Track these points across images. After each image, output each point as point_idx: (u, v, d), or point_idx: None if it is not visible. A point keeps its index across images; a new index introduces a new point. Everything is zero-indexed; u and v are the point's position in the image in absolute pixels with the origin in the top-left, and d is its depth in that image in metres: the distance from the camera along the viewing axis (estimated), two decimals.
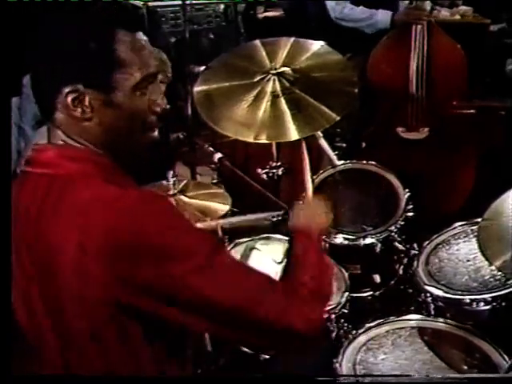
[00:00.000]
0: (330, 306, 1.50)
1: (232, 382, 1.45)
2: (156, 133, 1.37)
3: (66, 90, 1.26)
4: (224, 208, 2.53)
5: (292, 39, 2.61)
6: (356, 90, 2.49)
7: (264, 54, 2.58)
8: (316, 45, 2.64)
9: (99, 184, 1.28)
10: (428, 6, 3.28)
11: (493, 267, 2.08)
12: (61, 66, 1.27)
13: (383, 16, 3.33)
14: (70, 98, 1.27)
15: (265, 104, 2.46)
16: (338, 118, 2.41)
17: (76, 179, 1.28)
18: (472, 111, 3.83)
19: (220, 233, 2.70)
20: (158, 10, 3.90)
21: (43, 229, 1.27)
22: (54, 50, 1.28)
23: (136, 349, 1.32)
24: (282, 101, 2.45)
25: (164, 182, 2.49)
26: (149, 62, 1.32)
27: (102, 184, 1.28)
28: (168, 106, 1.36)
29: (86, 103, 1.27)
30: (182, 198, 2.48)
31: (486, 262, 2.12)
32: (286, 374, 1.79)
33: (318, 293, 1.38)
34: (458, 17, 4.32)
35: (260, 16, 4.39)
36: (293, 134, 2.39)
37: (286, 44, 2.60)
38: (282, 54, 2.57)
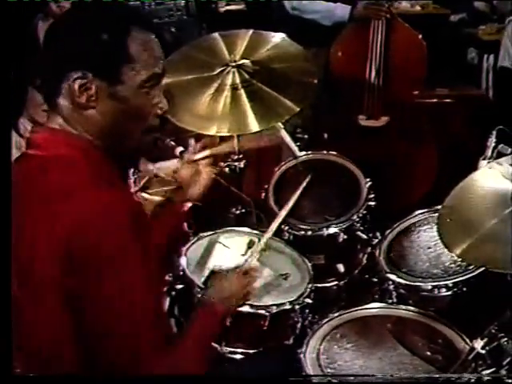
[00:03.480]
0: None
1: (204, 382, 1.43)
2: (156, 135, 1.42)
3: (75, 75, 1.30)
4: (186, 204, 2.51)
5: (251, 31, 2.62)
6: (315, 81, 2.50)
7: (223, 46, 2.59)
8: (276, 37, 2.65)
9: (86, 173, 1.31)
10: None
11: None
12: (72, 52, 1.31)
13: (342, 10, 3.35)
14: (77, 84, 1.30)
15: (224, 97, 2.46)
16: (298, 109, 2.42)
17: (63, 163, 1.31)
18: (434, 100, 3.89)
19: (185, 227, 2.70)
20: None
21: (26, 205, 1.31)
22: (68, 36, 1.32)
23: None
24: (242, 93, 2.46)
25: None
26: (157, 62, 1.35)
27: (88, 174, 1.31)
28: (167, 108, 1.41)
29: (92, 92, 1.31)
30: (144, 195, 2.47)
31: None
32: (257, 375, 1.80)
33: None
34: (418, 8, 4.37)
35: (221, 9, 4.37)
36: (253, 126, 2.39)
37: (245, 36, 2.61)
38: (242, 46, 2.57)
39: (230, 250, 2.24)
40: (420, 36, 3.29)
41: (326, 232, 2.35)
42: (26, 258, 1.30)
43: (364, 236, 2.38)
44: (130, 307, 1.30)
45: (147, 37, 1.34)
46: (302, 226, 2.36)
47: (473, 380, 1.61)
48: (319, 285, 2.23)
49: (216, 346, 1.95)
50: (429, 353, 1.84)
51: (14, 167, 1.37)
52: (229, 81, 2.49)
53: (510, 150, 2.12)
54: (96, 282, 1.26)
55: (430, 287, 2.03)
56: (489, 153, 2.15)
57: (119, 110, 1.33)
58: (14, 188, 1.32)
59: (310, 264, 2.20)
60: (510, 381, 1.63)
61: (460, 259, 1.96)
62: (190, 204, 2.57)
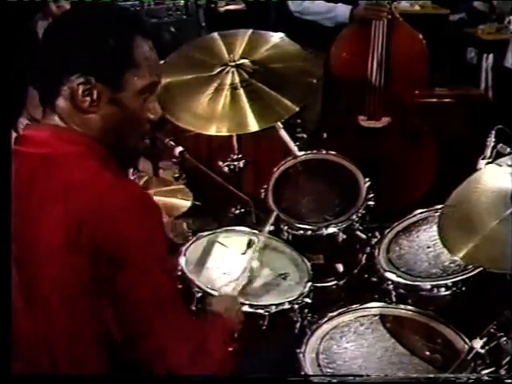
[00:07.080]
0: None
1: (203, 382, 1.43)
2: (147, 141, 1.43)
3: (79, 80, 1.30)
4: (185, 204, 2.52)
5: (250, 31, 2.63)
6: (315, 81, 2.51)
7: (222, 46, 2.59)
8: (275, 37, 2.65)
9: (95, 167, 1.31)
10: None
11: None
12: (77, 56, 1.31)
13: (342, 10, 3.35)
14: (80, 89, 1.30)
15: (224, 96, 2.47)
16: (298, 109, 2.42)
17: (71, 160, 1.31)
18: (433, 100, 3.89)
19: (184, 227, 2.71)
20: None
21: (31, 205, 1.30)
22: (73, 39, 1.32)
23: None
24: (241, 93, 2.47)
25: None
26: (155, 70, 1.37)
27: (97, 168, 1.31)
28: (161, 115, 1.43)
29: (94, 97, 1.31)
30: None
31: None
32: (255, 375, 1.79)
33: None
34: (417, 7, 4.37)
35: (221, 9, 4.36)
36: (252, 125, 2.40)
37: (244, 36, 2.62)
38: (241, 45, 2.58)
39: (229, 249, 2.24)
40: (421, 36, 3.29)
41: (325, 232, 2.34)
42: (37, 260, 1.30)
43: (363, 236, 2.37)
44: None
45: (149, 44, 1.36)
46: (301, 226, 2.36)
47: (472, 380, 1.61)
48: (318, 284, 2.23)
49: None
50: (428, 352, 1.84)
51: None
52: (228, 80, 2.49)
53: (508, 149, 2.12)
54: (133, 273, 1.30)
55: (429, 287, 2.03)
56: (488, 152, 2.15)
57: (118, 116, 1.34)
58: (16, 188, 1.31)
59: (309, 264, 2.20)
60: (509, 380, 1.63)
61: (463, 261, 1.94)
62: (188, 204, 2.59)
